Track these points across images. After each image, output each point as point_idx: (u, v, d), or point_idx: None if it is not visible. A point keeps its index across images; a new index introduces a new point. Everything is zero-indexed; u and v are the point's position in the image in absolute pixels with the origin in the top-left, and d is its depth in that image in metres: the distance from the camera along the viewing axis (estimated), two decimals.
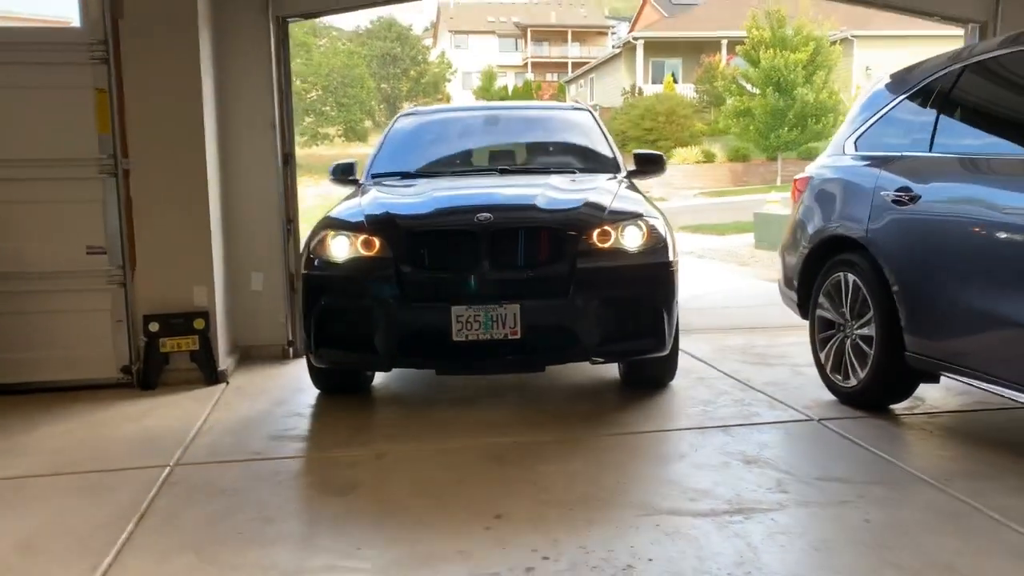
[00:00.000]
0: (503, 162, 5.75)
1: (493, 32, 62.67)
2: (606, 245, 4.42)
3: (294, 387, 5.30)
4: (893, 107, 4.58)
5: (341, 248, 4.46)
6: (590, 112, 6.36)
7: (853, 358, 4.46)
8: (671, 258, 4.61)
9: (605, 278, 4.39)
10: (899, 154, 4.35)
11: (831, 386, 4.67)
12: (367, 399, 4.99)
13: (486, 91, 54.31)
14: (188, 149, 5.29)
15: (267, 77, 5.86)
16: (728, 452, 3.84)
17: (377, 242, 4.40)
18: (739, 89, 30.25)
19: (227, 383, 5.39)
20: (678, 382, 5.07)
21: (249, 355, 6.02)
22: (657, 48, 41.07)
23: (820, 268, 4.77)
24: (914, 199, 4.03)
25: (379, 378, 5.28)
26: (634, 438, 4.09)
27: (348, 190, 5.56)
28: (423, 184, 5.11)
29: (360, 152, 38.88)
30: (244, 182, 5.91)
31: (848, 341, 4.51)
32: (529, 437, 4.12)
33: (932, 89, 4.31)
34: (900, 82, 4.66)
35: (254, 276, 5.98)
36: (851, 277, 4.45)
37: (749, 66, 29.52)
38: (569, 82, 53.36)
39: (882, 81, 4.88)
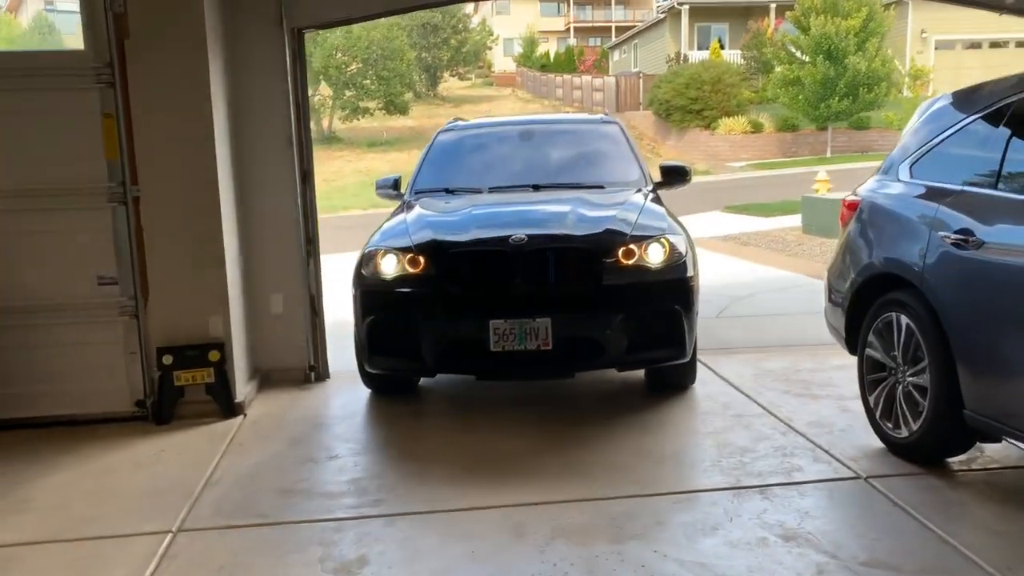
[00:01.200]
0: (536, 177, 6.03)
1: None
2: (630, 262, 4.81)
3: (312, 421, 5.11)
4: (956, 131, 4.16)
5: (390, 266, 4.92)
6: (618, 125, 6.72)
7: (905, 407, 4.11)
8: (690, 273, 5.01)
9: (629, 293, 4.79)
10: (960, 188, 3.94)
11: (880, 433, 4.31)
12: (385, 445, 4.77)
13: (527, 58, 53.49)
14: (200, 173, 5.07)
15: (283, 91, 5.60)
16: (766, 523, 3.53)
17: (422, 260, 4.84)
18: (788, 57, 29.20)
19: (244, 415, 5.21)
20: (715, 422, 4.76)
21: (270, 380, 5.84)
22: (703, 13, 39.92)
23: (870, 304, 4.39)
24: (977, 244, 3.64)
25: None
26: (664, 501, 3.79)
27: (392, 204, 6.18)
28: (462, 200, 5.60)
29: (400, 125, 38.59)
30: (261, 202, 5.68)
31: (900, 388, 4.15)
32: (550, 496, 3.86)
33: (1003, 114, 3.88)
34: (966, 102, 4.23)
35: (273, 298, 5.78)
36: (904, 319, 4.08)
37: (799, 32, 28.46)
38: (612, 48, 52.29)
39: (944, 99, 4.44)
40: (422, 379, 5.63)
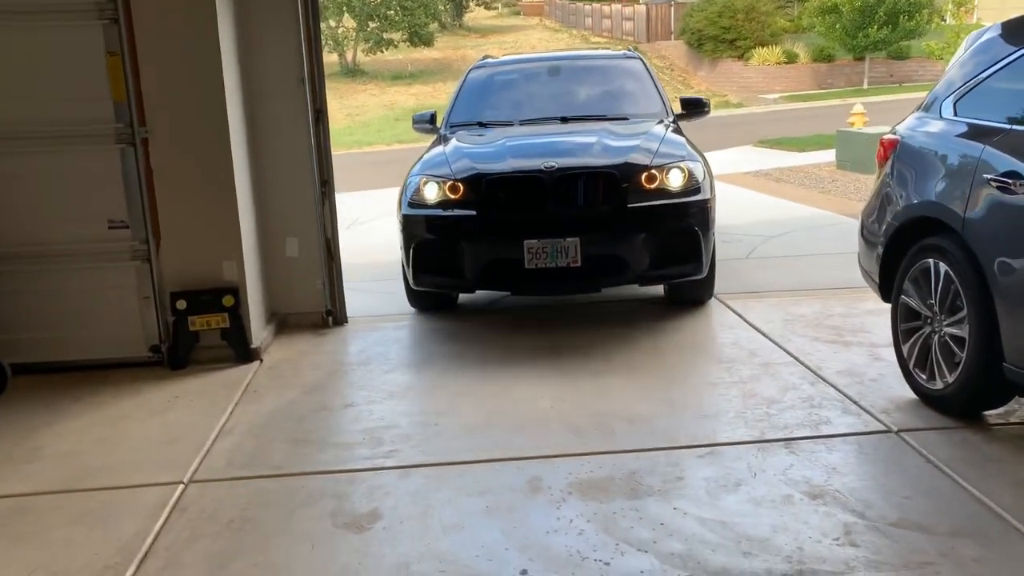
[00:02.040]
0: (564, 110, 6.45)
1: None
2: (652, 186, 5.28)
3: (328, 367, 5.03)
4: (1006, 65, 3.86)
5: (432, 192, 5.39)
6: (641, 60, 7.17)
7: (941, 357, 3.92)
8: (707, 196, 5.44)
9: (651, 214, 5.23)
10: (1008, 127, 3.67)
11: (913, 385, 4.14)
12: (401, 393, 4.68)
13: None
14: (209, 113, 4.91)
15: (294, 28, 5.37)
16: (792, 480, 3.41)
17: (461, 187, 5.31)
18: None
19: (260, 361, 5.15)
20: (741, 370, 4.61)
21: (287, 323, 5.76)
22: None
23: (906, 250, 4.17)
24: None
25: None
26: (685, 455, 3.67)
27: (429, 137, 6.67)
28: (495, 132, 6.07)
29: (425, 56, 37.93)
30: (274, 143, 5.52)
31: (936, 337, 3.96)
32: (567, 448, 3.75)
33: None
34: (1018, 33, 3.93)
35: (288, 242, 5.65)
36: (942, 266, 3.86)
37: None
38: None
39: (994, 29, 4.14)
40: (459, 302, 6.20)
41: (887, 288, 4.39)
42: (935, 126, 4.20)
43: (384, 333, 5.64)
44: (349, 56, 36.23)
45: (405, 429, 4.07)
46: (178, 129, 4.89)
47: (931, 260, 3.95)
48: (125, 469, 3.79)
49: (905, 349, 4.19)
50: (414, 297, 5.95)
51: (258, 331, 5.30)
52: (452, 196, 5.31)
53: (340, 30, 35.98)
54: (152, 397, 4.65)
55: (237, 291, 5.05)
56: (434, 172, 5.50)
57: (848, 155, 13.36)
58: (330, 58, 36.50)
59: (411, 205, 5.49)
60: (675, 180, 5.32)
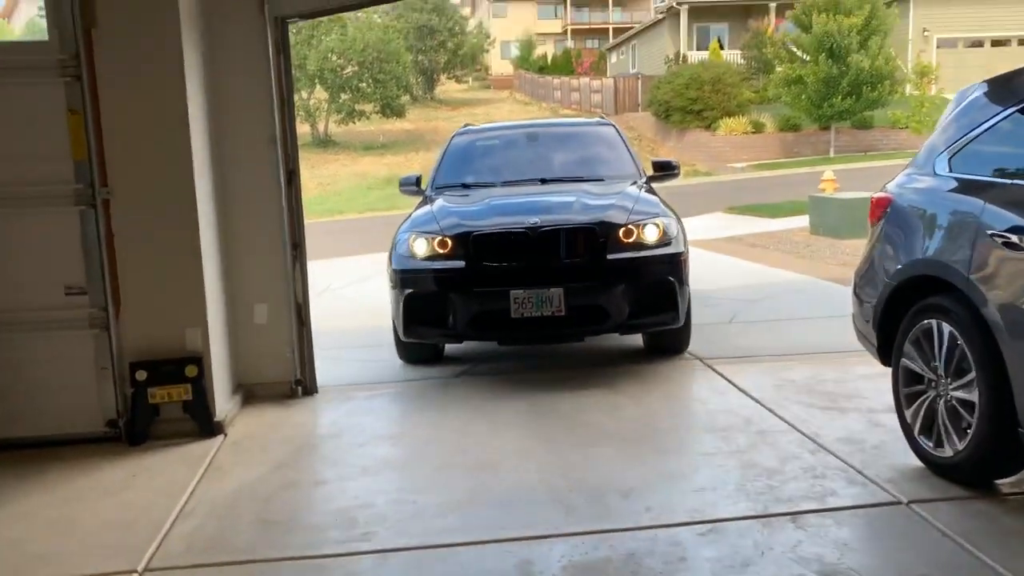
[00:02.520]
0: (543, 173, 6.78)
1: None
2: (630, 240, 5.58)
3: (298, 441, 4.72)
4: (999, 121, 3.77)
5: (421, 248, 5.65)
6: (614, 126, 7.59)
7: (948, 423, 3.72)
8: (681, 249, 5.74)
9: (629, 267, 5.53)
10: (1009, 182, 3.56)
11: (919, 452, 3.92)
12: (377, 468, 4.38)
13: (525, 60, 53.14)
14: (175, 173, 4.69)
15: (266, 86, 5.21)
16: (803, 558, 3.15)
17: (450, 242, 5.57)
18: (790, 56, 28.84)
19: (225, 435, 4.82)
20: (737, 439, 4.38)
21: (254, 395, 5.45)
22: (702, 13, 39.59)
23: (905, 311, 4.01)
24: None
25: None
26: (686, 533, 3.40)
27: (414, 199, 6.93)
28: (479, 193, 6.35)
29: (396, 127, 38.17)
30: (243, 205, 5.30)
31: (942, 402, 3.76)
32: (559, 527, 3.47)
33: None
34: (1004, 91, 3.86)
35: (257, 308, 5.39)
36: (946, 327, 3.69)
37: (800, 31, 28.11)
38: (610, 50, 51.95)
39: (979, 88, 4.06)
40: (445, 353, 6.42)
41: (886, 350, 4.21)
42: (929, 183, 4.09)
43: (357, 403, 5.35)
44: (321, 126, 36.40)
45: (381, 508, 3.76)
46: (141, 190, 4.66)
47: (933, 321, 3.78)
48: (75, 557, 3.44)
49: (908, 415, 3.99)
50: (403, 349, 6.14)
51: (223, 403, 5.00)
52: (441, 251, 5.58)
53: (312, 101, 36.21)
54: (107, 475, 4.30)
55: (201, 360, 4.76)
56: (423, 229, 5.76)
57: (821, 220, 13.43)
58: (302, 128, 36.59)
59: (401, 260, 5.73)
60: (650, 235, 5.64)
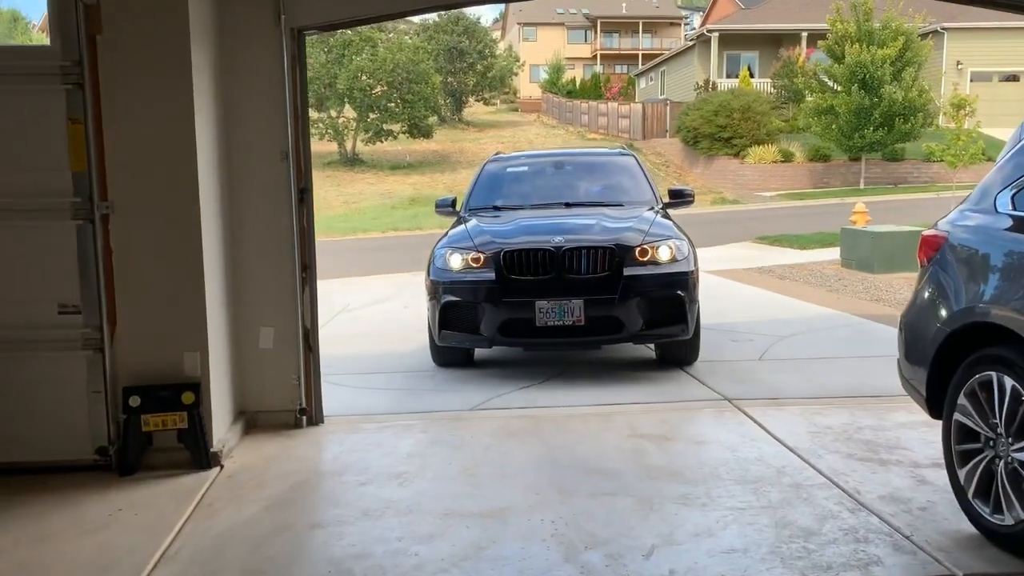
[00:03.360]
0: (567, 197, 7.46)
1: (562, 24, 61.39)
2: (645, 259, 6.21)
3: (297, 476, 4.42)
4: None
5: (457, 262, 6.33)
6: (634, 156, 8.25)
7: (1009, 487, 3.35)
8: (691, 268, 6.36)
9: (644, 282, 6.13)
10: None
11: (974, 517, 3.55)
12: (378, 511, 4.06)
13: (553, 84, 53.12)
14: (179, 189, 4.44)
15: (279, 99, 4.96)
16: None
17: (482, 258, 6.25)
18: (820, 86, 28.47)
19: (221, 467, 4.53)
20: (770, 493, 4.02)
21: (256, 423, 5.17)
22: (732, 41, 39.36)
23: (961, 359, 3.66)
24: None
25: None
26: None
27: (449, 219, 7.63)
28: (509, 215, 7.02)
29: (423, 148, 38.14)
30: (252, 223, 5.04)
31: (1001, 463, 3.39)
32: None
33: None
34: None
35: (263, 332, 5.12)
36: (1008, 380, 3.34)
37: (831, 61, 27.73)
38: (639, 75, 51.82)
39: None
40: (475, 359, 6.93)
41: (936, 402, 3.85)
42: (988, 221, 3.74)
43: (364, 436, 5.05)
44: (349, 145, 36.42)
45: (379, 559, 3.44)
46: (143, 204, 4.42)
47: (993, 373, 3.42)
48: None
49: (962, 475, 3.63)
50: (437, 353, 6.71)
51: (221, 432, 4.72)
52: (474, 265, 6.22)
53: (340, 120, 36.27)
54: (91, 509, 4.02)
55: (199, 387, 4.48)
56: (458, 245, 6.43)
57: (853, 253, 13.03)
58: (330, 147, 36.76)
59: (438, 272, 6.36)
60: (664, 254, 6.24)
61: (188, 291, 4.48)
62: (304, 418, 5.17)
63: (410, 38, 41.00)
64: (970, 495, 3.56)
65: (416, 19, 51.57)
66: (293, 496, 4.15)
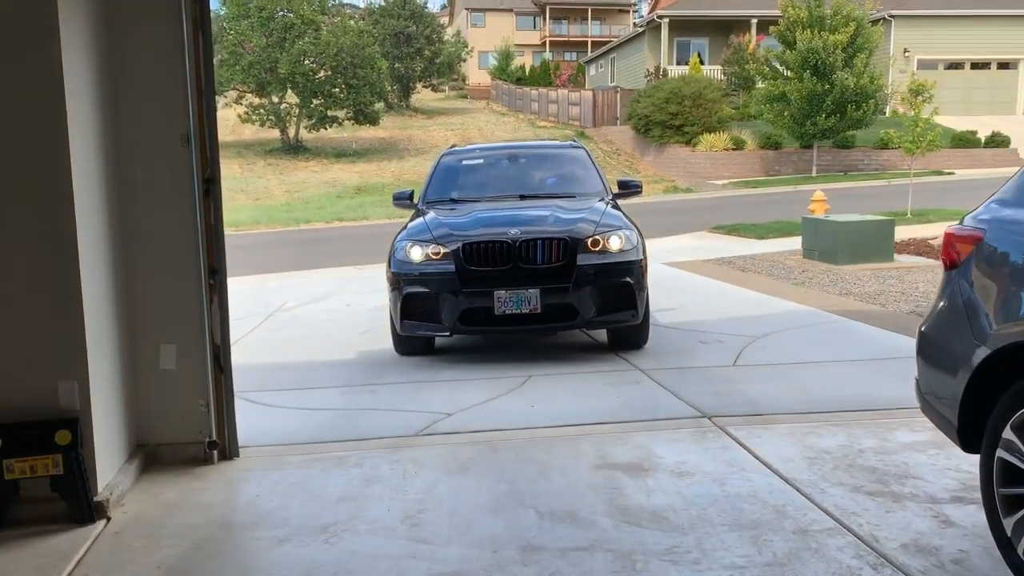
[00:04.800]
0: (522, 189, 7.74)
1: (511, 10, 60.52)
2: (596, 249, 6.43)
3: (199, 532, 3.61)
4: None
5: (417, 254, 6.47)
6: (584, 149, 8.56)
7: None
8: (640, 256, 6.60)
9: (596, 271, 6.37)
10: None
11: None
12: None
13: (502, 71, 52.25)
14: (47, 184, 3.59)
15: (178, 71, 4.13)
16: None
17: (442, 249, 6.41)
18: (772, 72, 28.14)
19: (107, 519, 3.71)
20: (773, 542, 3.35)
21: (157, 458, 4.34)
22: (682, 27, 38.99)
23: (1005, 385, 3.02)
24: None
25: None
26: None
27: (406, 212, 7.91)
28: (466, 207, 7.23)
29: (370, 135, 37.03)
30: (147, 222, 4.21)
31: None
32: None
33: None
34: None
35: (163, 350, 4.28)
36: None
37: (783, 48, 27.40)
38: (589, 62, 51.27)
39: None
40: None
41: (971, 434, 3.21)
42: None
43: (286, 473, 4.26)
44: (292, 132, 35.14)
45: None
46: None
47: None
48: None
49: (1009, 526, 2.99)
50: (399, 342, 6.81)
51: (110, 474, 3.90)
52: (433, 257, 6.39)
53: (283, 106, 34.96)
54: None
55: (77, 423, 3.65)
56: (418, 237, 6.59)
57: (815, 244, 12.52)
58: (272, 134, 35.44)
59: (399, 264, 6.49)
60: (614, 244, 6.48)
61: (61, 308, 3.64)
62: (215, 452, 4.35)
63: (355, 22, 39.71)
64: (1021, 550, 2.93)
65: (361, 3, 50.26)
66: (192, 561, 3.35)
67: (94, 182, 3.86)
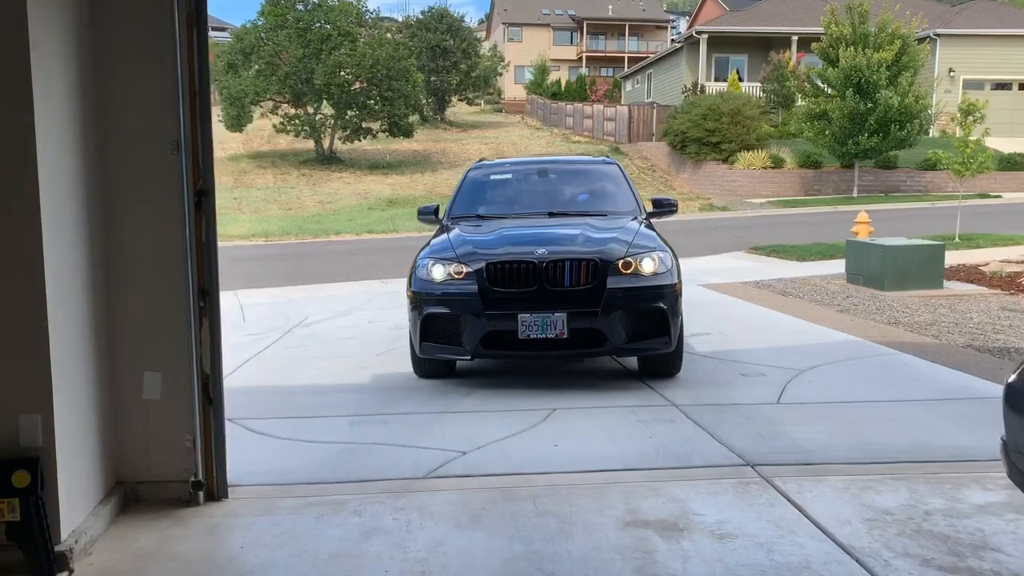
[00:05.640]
0: (551, 206, 7.33)
1: (548, 25, 60.36)
2: (628, 271, 6.05)
3: None
4: None
5: (439, 273, 6.12)
6: (618, 165, 8.08)
7: None
8: (675, 280, 6.17)
9: (627, 295, 5.98)
10: None
11: None
12: None
13: (538, 85, 51.98)
14: (10, 186, 3.20)
15: (169, 73, 3.73)
16: None
17: (465, 269, 6.06)
18: (813, 90, 27.44)
19: (70, 572, 3.29)
20: None
21: (137, 497, 3.93)
22: (721, 43, 38.39)
23: None
24: None
25: None
26: None
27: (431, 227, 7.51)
28: (492, 224, 6.84)
29: (404, 147, 36.85)
30: (130, 238, 3.80)
31: None
32: None
33: None
34: None
35: (147, 378, 3.87)
36: None
37: (825, 65, 26.71)
38: (625, 78, 50.83)
39: None
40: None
41: None
42: None
43: (276, 521, 3.80)
44: (326, 143, 35.06)
45: None
46: None
47: None
48: None
49: None
50: (419, 365, 6.46)
51: (78, 519, 3.48)
52: (456, 276, 6.05)
53: (318, 117, 34.90)
54: None
55: (37, 463, 3.24)
56: (440, 256, 6.24)
57: (860, 268, 11.89)
58: (306, 144, 35.40)
59: (420, 283, 6.18)
60: (647, 266, 6.09)
61: (22, 334, 3.23)
62: (200, 493, 3.92)
63: (391, 35, 39.67)
64: None
65: (399, 16, 50.29)
66: None
67: (68, 188, 3.45)
